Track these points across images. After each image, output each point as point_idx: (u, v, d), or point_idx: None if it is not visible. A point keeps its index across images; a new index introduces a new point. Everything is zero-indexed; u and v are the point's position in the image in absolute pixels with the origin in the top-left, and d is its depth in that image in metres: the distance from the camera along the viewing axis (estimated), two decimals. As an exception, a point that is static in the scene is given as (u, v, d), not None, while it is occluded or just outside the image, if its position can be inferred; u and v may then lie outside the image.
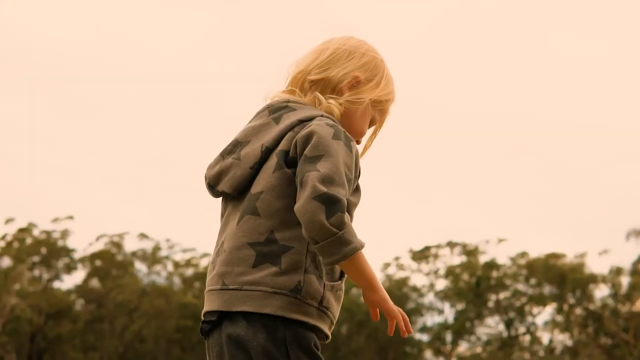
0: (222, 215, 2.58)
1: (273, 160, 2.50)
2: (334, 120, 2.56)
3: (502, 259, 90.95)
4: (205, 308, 2.48)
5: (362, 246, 2.34)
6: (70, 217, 78.07)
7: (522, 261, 78.19)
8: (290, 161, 2.48)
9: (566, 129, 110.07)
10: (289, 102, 2.62)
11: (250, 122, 2.65)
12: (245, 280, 2.39)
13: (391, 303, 2.63)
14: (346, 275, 2.54)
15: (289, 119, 2.54)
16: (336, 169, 2.36)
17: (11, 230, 73.20)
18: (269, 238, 2.39)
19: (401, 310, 2.63)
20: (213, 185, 2.54)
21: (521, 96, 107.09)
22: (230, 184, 2.52)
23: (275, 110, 2.60)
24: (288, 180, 2.46)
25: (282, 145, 2.51)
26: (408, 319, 2.66)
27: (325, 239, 2.30)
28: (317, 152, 2.38)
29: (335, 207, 2.30)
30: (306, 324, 2.42)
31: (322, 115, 2.56)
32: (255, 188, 2.48)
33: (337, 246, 2.32)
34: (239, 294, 2.38)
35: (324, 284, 2.51)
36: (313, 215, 2.29)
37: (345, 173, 2.40)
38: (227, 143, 2.61)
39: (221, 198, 2.62)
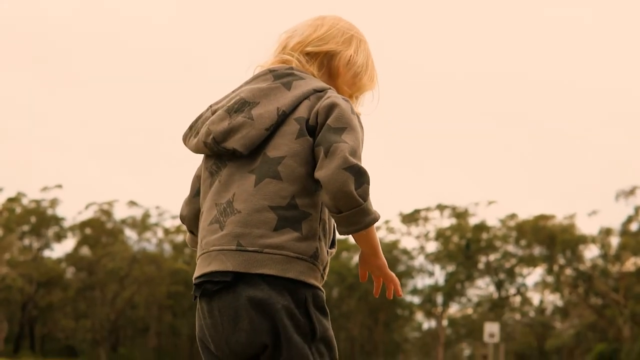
0: (213, 173, 2.55)
1: (293, 125, 2.53)
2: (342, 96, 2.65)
3: (492, 221, 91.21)
4: (211, 268, 2.40)
5: (379, 217, 2.46)
6: (59, 186, 78.01)
7: (512, 223, 78.64)
8: (310, 129, 2.54)
9: (555, 91, 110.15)
10: (293, 70, 2.66)
11: (250, 83, 2.68)
12: (266, 243, 2.39)
13: (388, 268, 2.72)
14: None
15: (300, 87, 2.59)
16: (358, 143, 2.47)
17: (0, 200, 73.25)
18: (291, 203, 2.44)
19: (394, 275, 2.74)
20: (219, 142, 2.49)
21: (511, 59, 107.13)
22: (243, 142, 2.51)
23: (280, 76, 2.63)
24: (310, 148, 2.51)
25: (300, 112, 2.55)
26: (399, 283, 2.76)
27: (350, 208, 2.38)
28: (341, 124, 2.47)
29: (363, 178, 2.40)
30: (318, 287, 2.48)
31: (330, 89, 2.64)
32: (275, 152, 2.50)
33: (360, 216, 2.40)
34: (258, 256, 2.37)
35: (327, 251, 2.58)
36: (343, 186, 2.36)
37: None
38: (220, 98, 2.67)
39: (209, 156, 2.59)
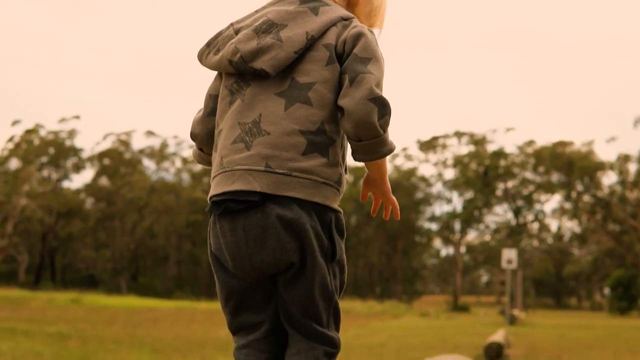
0: (234, 92, 2.54)
1: (322, 52, 2.55)
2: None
3: (510, 148, 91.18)
4: (235, 187, 2.40)
5: (394, 148, 2.52)
6: (77, 117, 78.03)
7: (530, 150, 78.43)
8: (337, 57, 2.56)
9: (574, 16, 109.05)
10: None
11: (275, 4, 2.68)
12: (294, 167, 2.42)
13: (391, 193, 2.79)
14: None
15: (328, 13, 2.61)
16: (382, 75, 2.52)
17: (18, 131, 73.39)
18: (320, 129, 2.47)
19: None
20: (247, 61, 2.49)
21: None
22: (272, 64, 2.52)
23: (307, 1, 2.65)
24: (338, 75, 2.54)
25: (328, 39, 2.57)
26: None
27: (370, 138, 2.44)
28: (367, 55, 2.50)
29: (385, 110, 2.45)
30: (340, 211, 2.52)
31: (355, 18, 2.67)
32: (305, 78, 2.52)
33: (378, 146, 2.46)
34: (286, 179, 2.40)
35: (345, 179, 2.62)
36: (368, 116, 2.41)
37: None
38: (242, 17, 2.68)
39: (229, 74, 2.58)
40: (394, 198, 2.73)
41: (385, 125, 2.43)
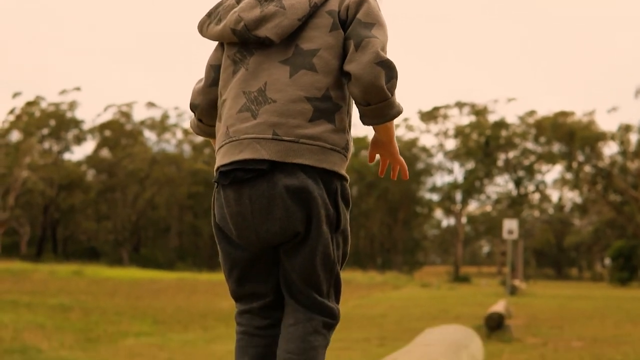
0: (237, 61, 2.53)
1: (325, 18, 2.55)
2: None
3: (511, 118, 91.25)
4: (243, 155, 2.40)
5: (402, 110, 2.54)
6: (78, 89, 78.07)
7: (531, 120, 78.28)
8: (340, 22, 2.58)
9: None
10: None
11: None
12: (302, 134, 2.42)
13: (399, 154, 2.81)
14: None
15: None
16: (386, 39, 2.54)
17: (19, 104, 73.38)
18: (326, 95, 2.48)
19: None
20: (250, 29, 2.49)
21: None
22: (276, 31, 2.52)
23: None
24: (342, 41, 2.55)
25: (331, 5, 2.58)
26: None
27: (379, 102, 2.45)
28: (371, 20, 2.52)
29: (392, 73, 2.47)
30: (346, 178, 2.54)
31: None
32: (309, 45, 2.52)
33: (387, 109, 2.48)
34: (294, 146, 2.40)
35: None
36: (375, 79, 2.42)
37: None
38: None
39: (231, 44, 2.57)
40: (401, 159, 2.73)
41: (392, 88, 2.45)
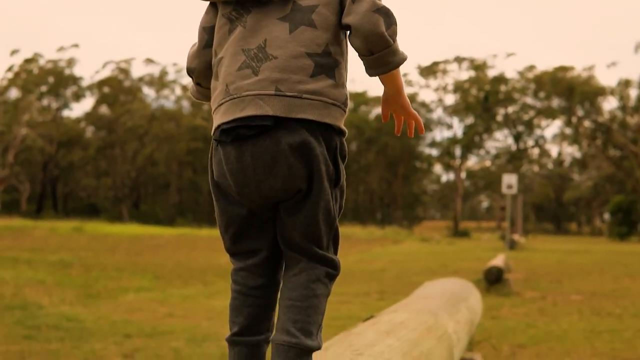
0: (232, 19, 2.52)
1: None
2: None
3: (511, 73, 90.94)
4: (246, 112, 2.38)
5: (407, 57, 2.51)
6: (76, 46, 77.96)
7: (531, 75, 78.06)
8: None
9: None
10: None
11: None
12: (304, 89, 2.40)
13: (411, 107, 2.75)
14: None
15: None
16: None
17: (17, 61, 73.13)
18: (326, 50, 2.46)
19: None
20: None
21: None
22: None
23: None
24: None
25: None
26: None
27: (382, 49, 2.43)
28: None
29: (391, 19, 2.45)
30: (345, 134, 2.51)
31: None
32: (307, 1, 2.48)
33: (391, 56, 2.46)
34: (297, 101, 2.38)
35: None
36: (375, 27, 2.41)
37: None
38: None
39: (225, 3, 2.55)
40: (415, 112, 2.71)
41: (393, 35, 2.43)
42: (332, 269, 2.43)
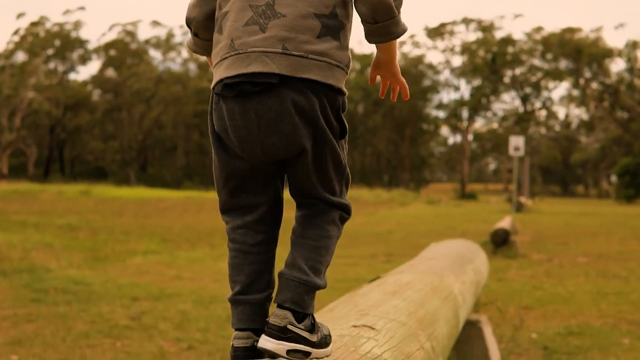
0: None
1: None
2: None
3: (518, 35, 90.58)
4: (251, 69, 2.36)
5: (407, 29, 2.53)
6: (82, 8, 77.60)
7: (538, 36, 77.70)
8: None
9: None
10: None
11: None
12: (310, 49, 2.38)
13: (400, 74, 2.74)
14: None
15: None
16: None
17: (23, 24, 72.99)
18: (333, 12, 2.45)
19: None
20: None
21: None
22: None
23: None
24: None
25: None
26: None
27: (387, 19, 2.44)
28: None
29: None
30: (345, 94, 2.49)
31: None
32: None
33: (394, 27, 2.47)
34: (303, 61, 2.36)
35: None
36: None
37: None
38: None
39: None
40: (403, 79, 2.71)
41: (399, 6, 2.44)
42: (345, 213, 2.45)
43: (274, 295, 2.35)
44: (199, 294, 8.74)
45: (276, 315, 2.24)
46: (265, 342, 2.20)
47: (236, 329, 2.31)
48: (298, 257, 2.34)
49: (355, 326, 2.60)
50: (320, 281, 2.32)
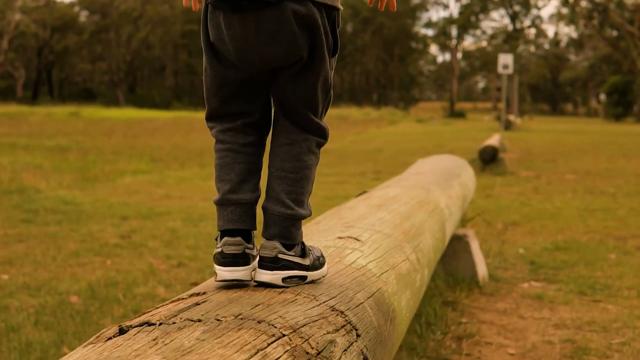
0: None
1: None
2: None
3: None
4: None
5: None
6: None
7: (528, -48, 77.13)
8: None
9: None
10: None
11: None
12: None
13: None
14: None
15: None
16: None
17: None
18: None
19: None
20: None
21: None
22: None
23: None
24: None
25: None
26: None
27: None
28: None
29: None
30: (340, 9, 2.50)
31: None
32: None
33: None
34: None
35: None
36: None
37: None
38: None
39: None
40: None
41: None
42: (322, 139, 2.46)
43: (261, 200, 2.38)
44: (188, 212, 8.79)
45: (265, 247, 2.26)
46: (261, 275, 2.22)
47: (226, 232, 2.30)
48: (280, 192, 2.35)
49: (340, 237, 2.63)
50: (304, 211, 2.34)
